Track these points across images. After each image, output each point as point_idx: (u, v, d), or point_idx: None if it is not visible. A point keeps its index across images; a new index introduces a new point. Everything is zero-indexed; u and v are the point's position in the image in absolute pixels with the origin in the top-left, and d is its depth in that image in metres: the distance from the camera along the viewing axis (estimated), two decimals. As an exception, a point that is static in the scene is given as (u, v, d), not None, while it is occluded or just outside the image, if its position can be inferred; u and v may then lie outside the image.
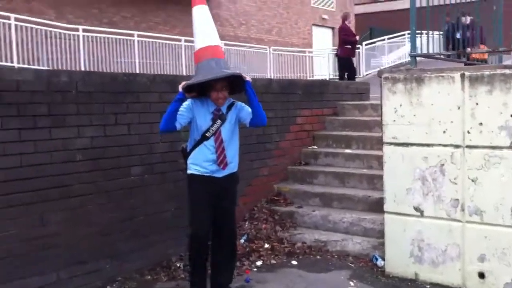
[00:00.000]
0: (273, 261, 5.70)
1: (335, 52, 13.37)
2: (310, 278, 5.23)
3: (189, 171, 4.43)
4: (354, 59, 13.42)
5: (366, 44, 19.93)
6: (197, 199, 4.37)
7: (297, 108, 7.40)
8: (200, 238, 4.37)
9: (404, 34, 20.65)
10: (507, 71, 4.43)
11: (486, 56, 6.07)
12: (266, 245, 5.97)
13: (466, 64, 6.16)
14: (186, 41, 15.37)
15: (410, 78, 5.00)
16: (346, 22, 12.91)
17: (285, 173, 7.20)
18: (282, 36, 22.31)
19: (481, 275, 4.69)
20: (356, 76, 12.99)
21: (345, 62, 12.80)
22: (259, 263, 5.64)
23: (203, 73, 4.18)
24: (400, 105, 5.07)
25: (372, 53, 19.86)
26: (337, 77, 13.76)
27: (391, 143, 5.18)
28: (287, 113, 7.24)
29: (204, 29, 4.32)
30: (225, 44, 15.73)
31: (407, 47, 18.41)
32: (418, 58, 5.65)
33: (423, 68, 5.05)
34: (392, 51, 21.17)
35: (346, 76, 12.61)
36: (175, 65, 15.33)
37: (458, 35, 5.98)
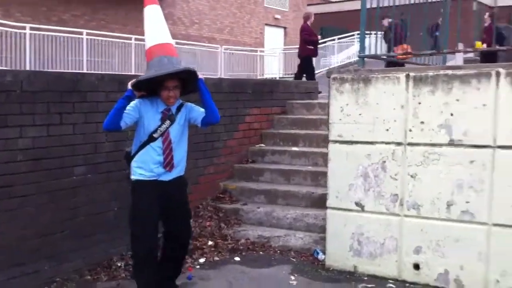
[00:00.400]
0: (216, 258, 5.74)
1: (298, 52, 13.34)
2: (252, 274, 5.30)
3: (133, 177, 4.17)
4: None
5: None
6: (142, 209, 4.09)
7: (246, 107, 7.51)
8: (146, 255, 4.11)
9: (353, 35, 21.03)
10: (449, 72, 4.69)
11: (410, 56, 6.37)
12: (210, 242, 6.01)
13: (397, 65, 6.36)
14: (136, 39, 15.29)
15: (358, 78, 5.20)
16: (308, 22, 12.93)
17: (232, 171, 7.28)
18: (234, 35, 22.45)
19: (416, 267, 4.91)
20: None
21: (306, 62, 12.84)
22: (202, 260, 5.66)
23: (155, 69, 4.04)
24: (347, 105, 5.26)
25: (323, 53, 20.24)
26: (288, 75, 13.83)
27: (336, 141, 5.35)
28: (236, 112, 7.34)
29: (156, 27, 4.22)
30: (176, 43, 15.73)
31: (356, 47, 18.78)
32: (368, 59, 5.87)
33: (370, 69, 5.27)
34: (342, 50, 21.60)
35: (304, 76, 12.68)
36: (125, 64, 15.19)
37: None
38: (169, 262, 4.43)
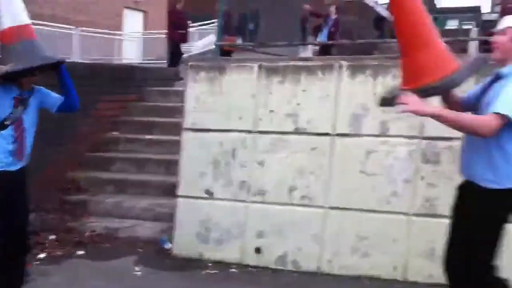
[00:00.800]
0: (58, 253, 5.45)
1: (166, 36, 12.44)
2: (96, 266, 5.12)
3: None
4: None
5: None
6: None
7: (100, 93, 7.29)
8: None
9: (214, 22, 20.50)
10: (299, 63, 5.02)
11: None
12: (52, 237, 5.73)
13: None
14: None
15: (214, 67, 5.36)
16: (178, 6, 12.32)
17: (81, 161, 7.03)
18: (90, 16, 21.02)
19: (258, 250, 5.07)
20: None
21: (176, 47, 12.20)
22: (42, 255, 5.36)
23: (23, 58, 3.73)
24: (202, 93, 5.37)
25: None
26: (147, 62, 13.21)
27: (190, 129, 5.42)
28: (89, 98, 7.11)
29: (14, 4, 3.91)
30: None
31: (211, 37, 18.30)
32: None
33: (226, 58, 5.46)
34: (204, 37, 21.27)
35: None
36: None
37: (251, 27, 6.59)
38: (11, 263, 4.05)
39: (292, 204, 4.98)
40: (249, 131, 5.18)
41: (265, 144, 5.10)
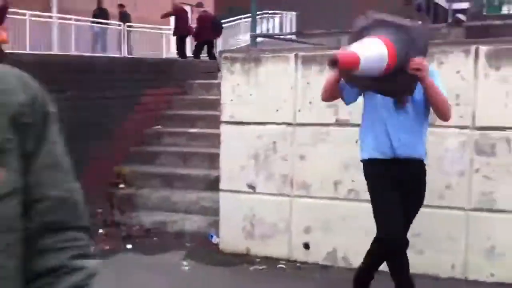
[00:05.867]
0: (107, 247, 5.49)
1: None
2: (144, 261, 5.13)
3: None
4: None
5: (223, 23, 19.78)
6: None
7: (142, 87, 7.26)
8: None
9: (262, 14, 20.69)
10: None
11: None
12: (101, 231, 5.77)
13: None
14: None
15: (249, 58, 5.12)
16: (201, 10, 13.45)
17: (127, 155, 7.02)
18: (139, 10, 20.84)
19: (307, 246, 4.94)
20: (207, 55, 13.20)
21: (208, 42, 13.27)
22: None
23: None
24: (238, 85, 5.17)
25: (230, 32, 19.90)
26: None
27: (228, 122, 5.26)
28: (131, 92, 7.08)
29: None
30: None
31: (263, 26, 18.54)
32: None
33: (262, 49, 5.20)
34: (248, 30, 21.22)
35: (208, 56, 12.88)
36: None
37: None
38: None
39: (339, 199, 4.79)
40: (289, 124, 4.97)
41: (305, 136, 4.88)
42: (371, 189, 3.57)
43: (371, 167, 3.53)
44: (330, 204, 4.82)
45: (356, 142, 4.62)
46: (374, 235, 3.52)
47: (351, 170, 4.69)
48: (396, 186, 3.43)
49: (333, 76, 3.47)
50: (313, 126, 4.84)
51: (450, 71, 4.24)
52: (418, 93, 3.26)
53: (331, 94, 3.61)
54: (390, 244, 3.50)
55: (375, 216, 3.54)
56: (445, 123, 4.27)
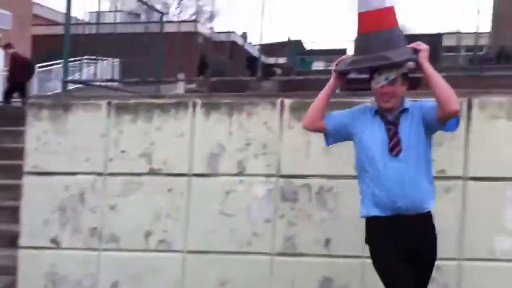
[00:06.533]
0: None
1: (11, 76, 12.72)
2: None
3: None
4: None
5: (40, 67, 18.65)
6: None
7: None
8: None
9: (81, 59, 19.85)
10: (152, 100, 4.74)
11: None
12: None
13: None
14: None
15: (57, 104, 4.89)
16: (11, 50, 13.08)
17: None
18: None
19: (114, 303, 4.68)
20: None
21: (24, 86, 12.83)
22: None
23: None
24: (44, 133, 4.88)
25: (47, 77, 18.75)
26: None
27: (32, 173, 4.89)
28: None
29: None
30: None
31: (85, 72, 17.81)
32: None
33: (73, 95, 5.02)
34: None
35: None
36: None
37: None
38: None
39: (149, 250, 4.66)
40: (99, 173, 4.78)
41: (117, 186, 4.74)
42: (371, 253, 3.28)
43: (371, 226, 3.26)
44: (140, 256, 4.67)
45: (169, 191, 4.65)
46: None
47: (162, 220, 4.64)
48: (401, 246, 3.14)
49: (328, 84, 3.36)
50: (125, 175, 4.73)
51: (258, 122, 4.52)
52: (411, 136, 3.11)
53: (319, 112, 3.37)
54: None
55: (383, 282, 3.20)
56: (252, 171, 4.52)
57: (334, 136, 3.42)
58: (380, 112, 3.21)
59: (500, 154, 4.20)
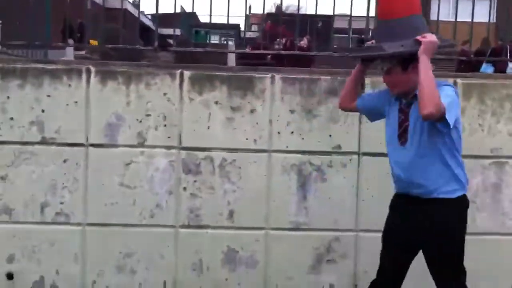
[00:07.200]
0: None
1: None
2: None
3: None
4: None
5: None
6: None
7: None
8: None
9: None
10: (40, 66, 4.31)
11: None
12: None
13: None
14: None
15: None
16: None
17: None
18: None
19: (10, 276, 4.47)
20: None
21: None
22: None
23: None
24: None
25: None
26: None
27: None
28: None
29: None
30: None
31: None
32: None
33: None
34: None
35: None
36: None
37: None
38: None
39: (46, 223, 4.42)
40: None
41: (7, 156, 4.39)
42: None
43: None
44: (36, 229, 4.44)
45: (65, 161, 4.37)
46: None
47: (58, 192, 4.39)
48: (404, 227, 3.16)
49: (354, 70, 3.40)
50: (15, 144, 4.38)
51: (157, 93, 4.27)
52: (416, 125, 3.03)
53: (348, 94, 3.45)
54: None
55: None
56: (152, 143, 4.33)
57: (371, 115, 3.54)
58: (399, 97, 3.20)
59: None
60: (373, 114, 3.47)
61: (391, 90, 3.18)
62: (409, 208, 3.15)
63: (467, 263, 3.23)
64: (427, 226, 3.06)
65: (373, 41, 3.39)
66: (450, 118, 2.88)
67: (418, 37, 2.95)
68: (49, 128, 4.35)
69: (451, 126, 2.92)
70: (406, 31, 3.02)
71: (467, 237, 3.22)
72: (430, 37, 2.95)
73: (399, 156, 3.12)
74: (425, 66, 2.88)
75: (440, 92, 2.86)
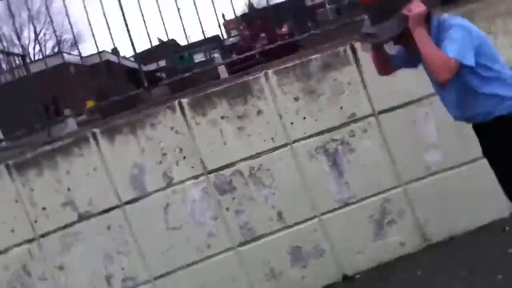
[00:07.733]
0: None
1: None
2: None
3: None
4: None
5: None
6: None
7: None
8: None
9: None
10: (48, 147, 4.36)
11: None
12: None
13: None
14: None
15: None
16: None
17: None
18: None
19: None
20: None
21: None
22: None
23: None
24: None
25: None
26: None
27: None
28: None
29: None
30: None
31: None
32: None
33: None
34: None
35: None
36: None
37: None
38: None
39: (114, 291, 4.48)
40: (30, 240, 4.44)
41: (54, 245, 4.41)
42: None
43: None
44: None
45: (108, 228, 4.40)
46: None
47: (116, 259, 4.42)
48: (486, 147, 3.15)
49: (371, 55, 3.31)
50: (57, 232, 4.41)
51: (165, 130, 4.31)
52: None
53: (381, 66, 3.31)
54: None
55: None
56: (180, 179, 4.32)
57: (413, 63, 3.30)
58: None
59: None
60: (413, 61, 3.31)
61: (406, 50, 3.14)
62: (479, 132, 3.14)
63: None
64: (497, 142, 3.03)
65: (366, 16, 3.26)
66: (468, 60, 2.80)
67: (405, 12, 2.88)
68: (81, 203, 4.40)
69: (474, 65, 2.84)
70: (391, 9, 2.93)
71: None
72: (415, 9, 2.87)
73: (446, 99, 3.12)
74: (420, 39, 2.83)
75: (446, 44, 2.80)
